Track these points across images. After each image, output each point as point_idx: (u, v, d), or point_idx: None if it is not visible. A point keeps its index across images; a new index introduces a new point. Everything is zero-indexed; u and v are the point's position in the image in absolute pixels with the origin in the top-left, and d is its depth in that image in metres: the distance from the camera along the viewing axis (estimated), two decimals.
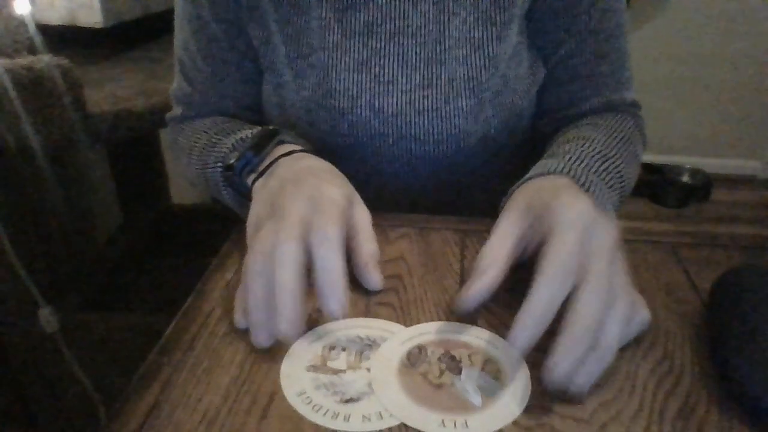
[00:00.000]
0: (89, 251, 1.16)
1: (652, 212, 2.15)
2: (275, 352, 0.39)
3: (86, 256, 1.14)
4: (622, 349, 0.38)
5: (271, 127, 0.54)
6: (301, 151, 0.51)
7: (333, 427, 0.33)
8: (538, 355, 0.38)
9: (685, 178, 2.21)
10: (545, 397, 0.35)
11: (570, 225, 0.38)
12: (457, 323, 0.41)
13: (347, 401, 0.35)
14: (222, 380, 0.36)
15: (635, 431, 0.33)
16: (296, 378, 0.36)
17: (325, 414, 0.34)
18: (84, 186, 1.18)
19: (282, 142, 0.53)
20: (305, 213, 0.41)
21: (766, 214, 2.15)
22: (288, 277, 0.37)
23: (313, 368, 0.37)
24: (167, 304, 0.46)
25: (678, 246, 0.51)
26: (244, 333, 0.40)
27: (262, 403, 0.35)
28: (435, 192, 0.64)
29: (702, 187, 2.20)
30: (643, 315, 0.39)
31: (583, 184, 0.44)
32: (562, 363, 0.34)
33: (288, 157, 0.50)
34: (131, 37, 1.15)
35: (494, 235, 0.42)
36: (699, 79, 2.28)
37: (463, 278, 0.46)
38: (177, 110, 0.67)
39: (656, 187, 2.18)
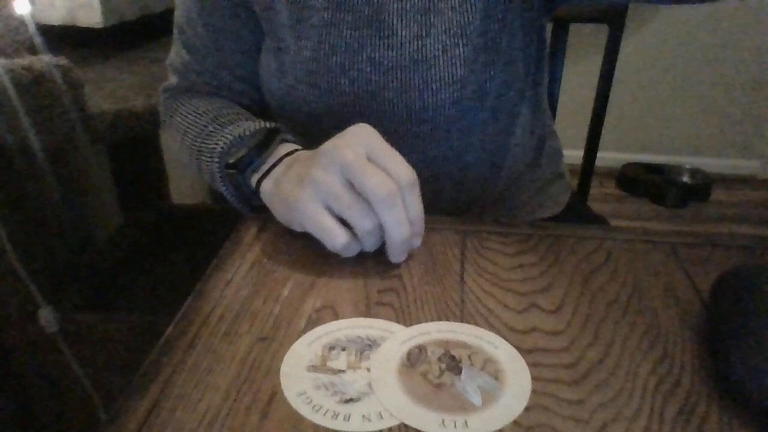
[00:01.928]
0: (89, 251, 1.16)
1: (652, 212, 2.15)
2: (275, 351, 0.39)
3: (86, 256, 1.14)
4: (622, 349, 0.38)
5: (271, 125, 0.54)
6: (302, 150, 0.52)
7: (333, 427, 0.33)
8: (538, 355, 0.38)
9: (685, 178, 2.21)
10: (545, 397, 0.35)
11: None
12: (457, 323, 0.41)
13: (347, 401, 0.35)
14: (222, 380, 0.36)
15: (635, 431, 0.33)
16: (296, 378, 0.36)
17: (325, 414, 0.34)
18: (84, 186, 1.18)
19: (284, 141, 0.53)
20: (362, 152, 0.44)
21: (766, 214, 2.15)
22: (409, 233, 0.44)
23: (313, 368, 0.37)
24: (167, 304, 0.47)
25: (678, 246, 0.51)
26: (244, 333, 0.40)
27: (262, 403, 0.35)
28: (434, 161, 0.63)
29: (702, 187, 2.20)
30: None
31: None
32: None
33: (290, 157, 0.51)
34: (131, 37, 1.15)
35: None
36: (699, 79, 2.28)
37: (463, 278, 0.46)
38: (172, 80, 0.68)
39: (656, 187, 2.18)
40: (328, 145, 0.44)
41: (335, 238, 0.44)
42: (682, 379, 0.37)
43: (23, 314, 0.94)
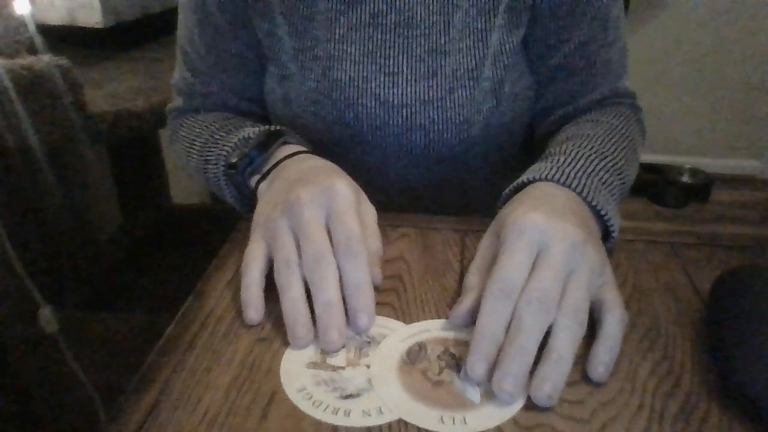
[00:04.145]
0: (89, 251, 1.16)
1: (652, 212, 2.15)
2: (275, 351, 0.39)
3: (86, 256, 1.14)
4: (623, 349, 0.38)
5: (274, 128, 0.54)
6: (305, 152, 0.52)
7: (333, 422, 0.33)
8: (537, 354, 0.38)
9: (685, 178, 2.21)
10: None
11: (513, 241, 0.38)
12: None
13: (347, 397, 0.35)
14: (222, 380, 0.36)
15: (635, 431, 0.33)
16: (296, 374, 0.37)
17: (325, 409, 0.34)
18: (84, 186, 1.18)
19: (286, 143, 0.53)
20: (322, 214, 0.42)
21: (766, 214, 2.15)
22: (334, 296, 0.39)
23: (313, 365, 0.37)
24: (167, 304, 0.47)
25: (678, 246, 0.51)
26: (244, 333, 0.40)
27: (262, 402, 0.35)
28: (437, 188, 0.64)
29: (702, 187, 2.19)
30: (615, 315, 0.38)
31: (575, 188, 0.44)
32: (509, 375, 0.34)
33: (292, 159, 0.50)
34: (131, 37, 1.14)
35: (477, 253, 0.44)
36: (699, 79, 2.28)
37: (463, 278, 0.46)
38: (178, 101, 0.67)
39: (656, 187, 2.18)
40: (293, 196, 0.43)
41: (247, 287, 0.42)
42: (682, 379, 0.37)
43: (23, 314, 0.94)
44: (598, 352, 0.37)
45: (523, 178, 0.47)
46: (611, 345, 0.37)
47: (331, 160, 0.50)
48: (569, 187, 0.44)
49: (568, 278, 0.37)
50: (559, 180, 0.45)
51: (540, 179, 0.46)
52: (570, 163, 0.47)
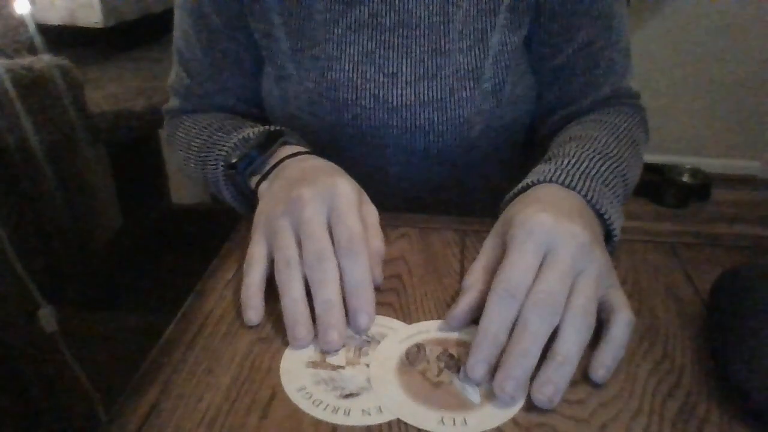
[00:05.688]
0: (89, 251, 1.16)
1: (652, 212, 2.15)
2: (275, 350, 0.39)
3: (86, 256, 1.14)
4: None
5: (274, 128, 0.54)
6: (305, 152, 0.52)
7: (333, 421, 0.33)
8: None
9: (685, 178, 2.21)
10: None
11: (521, 241, 0.38)
12: None
13: (347, 396, 0.35)
14: (222, 380, 0.36)
15: (635, 431, 0.33)
16: (296, 374, 0.37)
17: (325, 408, 0.34)
18: (84, 186, 1.18)
19: (286, 143, 0.53)
20: (323, 212, 0.42)
21: (766, 214, 2.15)
22: (335, 296, 0.39)
23: (313, 364, 0.37)
24: (167, 304, 0.47)
25: (678, 246, 0.51)
26: (244, 333, 0.40)
27: (262, 402, 0.35)
28: (437, 189, 0.64)
29: (702, 187, 2.19)
30: (623, 317, 0.38)
31: (579, 190, 0.44)
32: (511, 378, 0.34)
33: (293, 159, 0.50)
34: (131, 37, 1.15)
35: (480, 253, 0.43)
36: (699, 79, 2.28)
37: (463, 278, 0.46)
38: (174, 102, 0.67)
39: (656, 187, 2.18)
40: (294, 194, 0.43)
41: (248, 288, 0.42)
42: (682, 379, 0.37)
43: (23, 314, 0.94)
44: (602, 354, 0.36)
45: (527, 180, 0.47)
46: (616, 347, 0.37)
47: (330, 161, 0.49)
48: (573, 189, 0.44)
49: (576, 280, 0.37)
50: (563, 182, 0.45)
51: (544, 181, 0.46)
52: (574, 165, 0.47)
